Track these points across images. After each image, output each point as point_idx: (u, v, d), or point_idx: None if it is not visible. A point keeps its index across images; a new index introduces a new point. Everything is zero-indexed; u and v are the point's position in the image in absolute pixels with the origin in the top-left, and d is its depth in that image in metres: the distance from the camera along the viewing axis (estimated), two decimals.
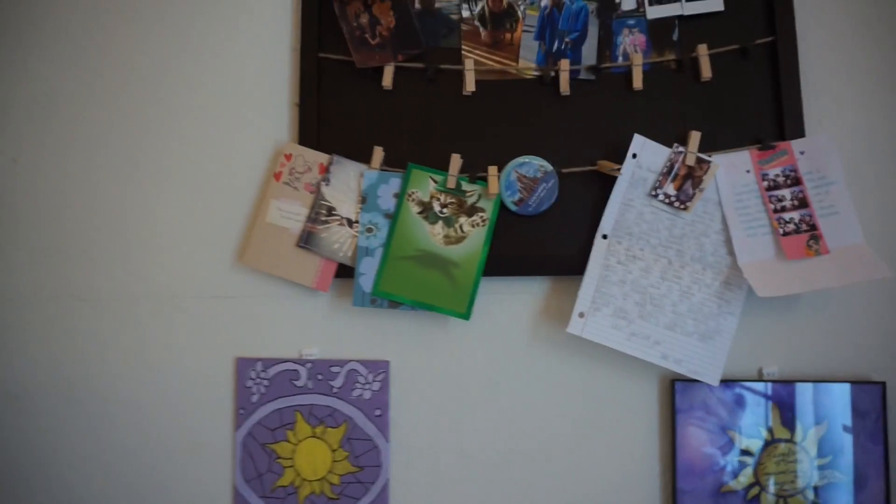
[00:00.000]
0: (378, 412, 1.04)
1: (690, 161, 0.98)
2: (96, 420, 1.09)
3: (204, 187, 1.10)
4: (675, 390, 0.98)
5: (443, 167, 1.04)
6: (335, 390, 1.05)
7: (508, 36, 1.08)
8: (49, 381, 1.10)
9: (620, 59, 1.05)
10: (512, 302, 1.03)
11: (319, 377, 1.05)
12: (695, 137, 0.98)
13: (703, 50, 1.02)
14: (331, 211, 1.04)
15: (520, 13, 1.08)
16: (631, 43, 1.06)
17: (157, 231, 1.10)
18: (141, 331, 1.09)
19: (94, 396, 1.09)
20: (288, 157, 1.06)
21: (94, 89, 1.13)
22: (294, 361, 1.06)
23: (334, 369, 1.05)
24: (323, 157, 1.05)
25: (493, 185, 1.02)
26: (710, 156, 0.98)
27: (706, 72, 1.02)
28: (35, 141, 1.14)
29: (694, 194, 0.98)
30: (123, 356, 1.09)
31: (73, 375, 1.10)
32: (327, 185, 1.05)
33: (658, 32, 1.05)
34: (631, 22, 1.06)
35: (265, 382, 1.06)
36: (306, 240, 1.04)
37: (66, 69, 1.13)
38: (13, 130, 1.14)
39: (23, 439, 1.11)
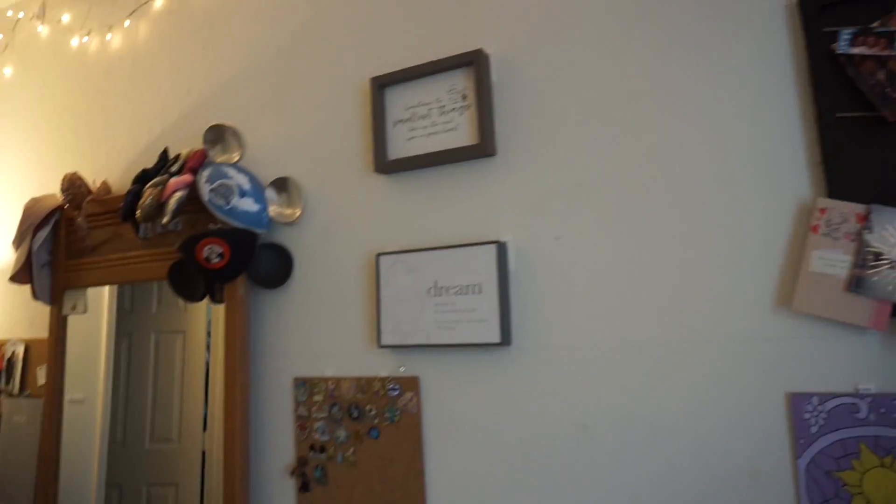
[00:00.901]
0: None
1: None
2: (657, 448, 1.30)
3: (736, 242, 1.26)
4: None
5: None
6: None
7: None
8: (608, 413, 1.34)
9: None
10: None
11: (882, 410, 1.13)
12: None
13: None
14: (878, 256, 1.13)
15: None
16: None
17: (697, 282, 1.29)
18: (692, 371, 1.28)
19: (654, 428, 1.30)
20: (822, 211, 1.18)
21: (624, 168, 1.37)
22: (851, 395, 1.16)
23: None
24: (859, 208, 1.15)
25: None
26: None
27: None
28: (574, 220, 1.41)
29: None
30: (681, 393, 1.28)
31: (632, 409, 1.32)
32: (870, 232, 1.14)
33: None
34: None
35: (823, 415, 1.17)
36: (856, 284, 1.14)
37: (600, 156, 1.40)
38: (556, 213, 1.43)
39: (588, 462, 1.35)
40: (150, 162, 1.97)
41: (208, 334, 2.02)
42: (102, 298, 2.15)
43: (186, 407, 2.08)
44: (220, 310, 1.94)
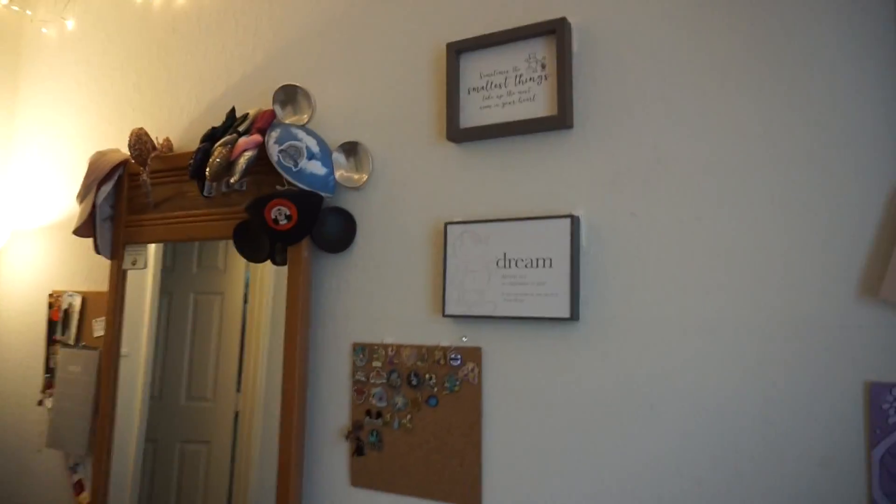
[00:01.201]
0: None
1: None
2: (724, 430, 1.29)
3: (821, 226, 1.24)
4: None
5: None
6: None
7: None
8: (676, 393, 1.34)
9: None
10: None
11: None
12: None
13: None
14: None
15: None
16: None
17: (778, 265, 1.27)
18: (767, 354, 1.27)
19: (723, 410, 1.30)
20: None
21: (706, 145, 1.35)
22: None
23: None
24: None
25: None
26: None
27: None
28: (651, 197, 1.40)
29: None
30: (753, 377, 1.28)
31: (702, 391, 1.32)
32: None
33: None
34: None
35: None
36: None
37: (682, 133, 1.38)
38: (633, 189, 1.42)
39: (653, 441, 1.36)
40: (213, 121, 1.97)
41: (245, 298, 2.05)
42: (149, 256, 2.18)
43: (221, 368, 2.12)
44: (259, 274, 1.98)
